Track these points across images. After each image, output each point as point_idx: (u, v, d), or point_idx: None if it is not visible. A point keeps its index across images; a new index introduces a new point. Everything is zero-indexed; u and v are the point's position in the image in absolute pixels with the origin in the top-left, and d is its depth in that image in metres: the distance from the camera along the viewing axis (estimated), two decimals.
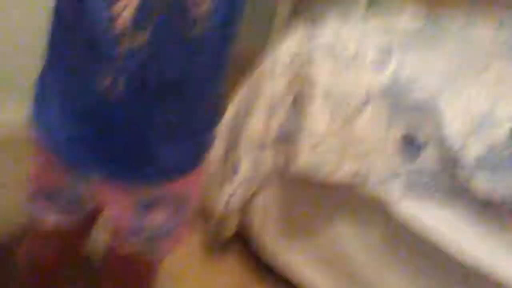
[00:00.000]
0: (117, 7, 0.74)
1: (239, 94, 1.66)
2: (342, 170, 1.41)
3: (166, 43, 0.78)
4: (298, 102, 1.48)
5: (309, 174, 1.44)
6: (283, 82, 1.50)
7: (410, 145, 1.35)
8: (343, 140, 1.39)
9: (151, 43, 0.76)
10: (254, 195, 1.64)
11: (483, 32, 1.74)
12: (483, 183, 1.28)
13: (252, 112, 1.57)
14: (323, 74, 1.43)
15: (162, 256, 1.05)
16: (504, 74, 1.45)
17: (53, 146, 0.90)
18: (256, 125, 1.55)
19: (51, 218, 1.01)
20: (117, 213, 0.98)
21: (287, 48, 1.51)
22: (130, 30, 0.76)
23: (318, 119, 1.42)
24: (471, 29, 1.75)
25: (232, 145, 1.63)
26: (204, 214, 1.71)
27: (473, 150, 1.29)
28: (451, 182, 1.31)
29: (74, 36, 0.81)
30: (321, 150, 1.42)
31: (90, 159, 0.88)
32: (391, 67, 1.40)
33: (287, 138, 1.50)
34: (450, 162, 1.32)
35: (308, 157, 1.43)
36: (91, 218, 1.07)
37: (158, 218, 0.95)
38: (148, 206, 0.94)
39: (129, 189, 0.92)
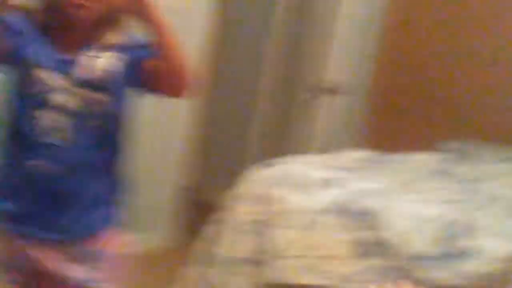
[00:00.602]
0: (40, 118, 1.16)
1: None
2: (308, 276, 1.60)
3: (77, 138, 1.17)
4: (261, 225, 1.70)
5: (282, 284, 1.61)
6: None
7: (361, 246, 1.57)
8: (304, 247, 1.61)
9: (68, 138, 1.16)
10: None
11: (417, 158, 2.11)
12: (426, 273, 1.48)
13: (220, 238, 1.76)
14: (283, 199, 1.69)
15: None
16: (427, 189, 1.82)
17: None
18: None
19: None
20: (52, 266, 1.22)
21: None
22: (51, 131, 1.17)
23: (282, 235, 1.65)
24: (409, 156, 2.12)
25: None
26: None
27: (414, 245, 1.52)
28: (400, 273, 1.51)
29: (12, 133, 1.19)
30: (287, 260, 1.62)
31: (22, 226, 1.20)
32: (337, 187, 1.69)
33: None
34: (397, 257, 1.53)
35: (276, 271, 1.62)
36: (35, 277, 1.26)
37: (79, 270, 1.23)
38: (72, 261, 1.22)
39: (55, 247, 1.21)
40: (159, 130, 2.55)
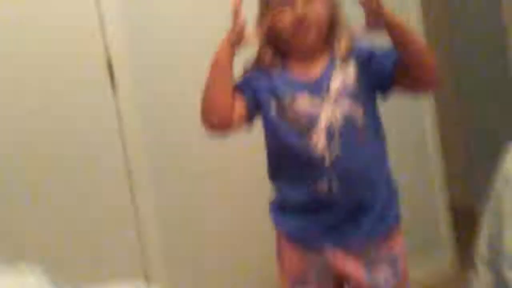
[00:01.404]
0: (313, 143, 1.24)
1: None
2: None
3: (351, 155, 1.24)
4: None
5: None
6: None
7: None
8: None
9: (342, 158, 1.23)
10: None
11: None
12: None
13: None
14: None
15: None
16: None
17: (294, 238, 1.31)
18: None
19: None
20: (352, 274, 1.30)
21: None
22: (327, 152, 1.23)
23: None
24: None
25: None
26: None
27: None
28: None
29: (289, 163, 1.29)
30: None
31: (321, 240, 1.29)
32: None
33: None
34: None
35: None
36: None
37: (380, 276, 1.31)
38: (371, 265, 1.30)
39: (351, 253, 1.29)
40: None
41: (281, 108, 1.25)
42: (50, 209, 1.80)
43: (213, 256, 2.11)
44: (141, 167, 1.95)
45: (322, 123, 1.23)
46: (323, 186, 1.25)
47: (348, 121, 1.24)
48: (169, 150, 2.03)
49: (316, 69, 1.26)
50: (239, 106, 1.29)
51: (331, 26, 1.26)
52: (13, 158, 1.76)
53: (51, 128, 1.82)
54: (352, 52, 1.26)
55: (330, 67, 1.25)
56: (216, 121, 1.27)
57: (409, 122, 2.62)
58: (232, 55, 1.24)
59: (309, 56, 1.27)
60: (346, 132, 1.24)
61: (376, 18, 1.16)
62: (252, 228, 2.15)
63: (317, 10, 1.22)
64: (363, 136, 1.26)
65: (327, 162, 1.23)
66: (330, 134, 1.23)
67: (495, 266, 1.61)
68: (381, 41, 1.25)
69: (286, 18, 1.21)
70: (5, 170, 1.75)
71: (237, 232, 2.15)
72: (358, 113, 1.24)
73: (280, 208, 1.34)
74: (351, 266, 1.30)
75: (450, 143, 3.09)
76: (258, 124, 1.39)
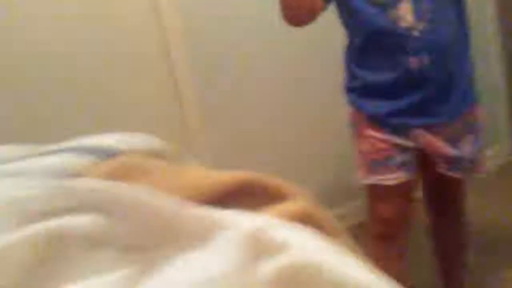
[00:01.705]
0: (401, 14, 1.27)
1: None
2: None
3: (438, 23, 1.28)
4: None
5: None
6: None
7: None
8: None
9: (430, 26, 1.27)
10: None
11: None
12: None
13: None
14: None
15: (478, 175, 1.50)
16: None
17: (382, 121, 1.36)
18: None
19: (392, 176, 1.40)
20: (439, 150, 1.38)
21: None
22: (415, 23, 1.26)
23: None
24: None
25: None
26: None
27: None
28: None
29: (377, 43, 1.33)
30: None
31: (408, 121, 1.35)
32: None
33: None
34: None
35: None
36: (417, 169, 1.44)
37: (466, 147, 1.40)
38: (456, 138, 1.38)
39: (438, 131, 1.36)
40: None
41: None
42: None
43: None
44: None
45: None
46: (414, 61, 1.30)
47: None
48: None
49: None
50: None
51: None
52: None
53: None
54: None
55: None
56: (296, 20, 1.33)
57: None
58: None
59: None
60: (432, 3, 1.28)
61: None
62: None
63: None
64: (447, 6, 1.32)
65: (416, 34, 1.28)
66: (417, 4, 1.27)
67: None
68: None
69: None
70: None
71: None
72: None
73: (363, 92, 1.40)
74: (437, 143, 1.38)
75: None
76: None
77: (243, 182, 0.52)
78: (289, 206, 0.53)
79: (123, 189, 0.40)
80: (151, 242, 0.37)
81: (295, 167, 2.32)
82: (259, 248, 0.37)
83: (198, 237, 0.37)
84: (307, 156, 2.37)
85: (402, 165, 1.41)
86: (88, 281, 0.33)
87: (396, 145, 1.39)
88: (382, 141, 1.40)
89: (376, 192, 1.46)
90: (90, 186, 0.39)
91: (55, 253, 0.33)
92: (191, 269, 0.35)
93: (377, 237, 1.53)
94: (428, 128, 1.38)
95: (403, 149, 1.40)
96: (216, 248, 0.37)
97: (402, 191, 1.43)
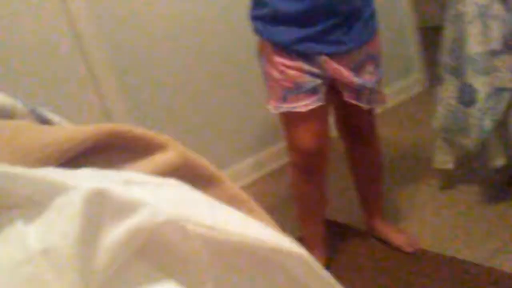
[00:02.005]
0: None
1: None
2: None
3: None
4: None
5: None
6: None
7: None
8: None
9: None
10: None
11: None
12: None
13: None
14: None
15: (379, 105, 1.54)
16: None
17: (290, 48, 1.37)
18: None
19: (303, 104, 1.41)
20: (344, 78, 1.41)
21: None
22: None
23: None
24: None
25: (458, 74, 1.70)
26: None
27: None
28: None
29: None
30: None
31: (315, 47, 1.37)
32: None
33: None
34: None
35: None
36: (327, 95, 1.46)
37: (366, 76, 1.44)
38: (358, 68, 1.42)
39: (342, 59, 1.39)
40: None
41: None
42: None
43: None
44: None
45: None
46: None
47: None
48: None
49: None
50: None
51: None
52: None
53: None
54: None
55: None
56: None
57: None
58: None
59: None
60: None
61: None
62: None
63: None
64: None
65: None
66: None
67: (458, 71, 1.73)
68: None
69: None
70: None
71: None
72: None
73: (270, 20, 1.39)
74: (342, 71, 1.41)
75: None
76: None
77: (109, 134, 0.46)
78: (162, 157, 0.48)
79: None
80: None
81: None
82: (107, 209, 0.32)
83: (33, 203, 0.32)
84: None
85: (312, 92, 1.42)
86: None
87: (305, 71, 1.40)
88: (291, 67, 1.40)
89: (290, 121, 1.47)
90: None
91: None
92: (22, 242, 0.30)
93: (296, 166, 1.55)
94: (331, 55, 1.39)
95: (312, 75, 1.41)
96: (53, 216, 0.31)
97: (315, 117, 1.44)
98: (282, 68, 1.41)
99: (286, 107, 1.43)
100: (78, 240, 0.29)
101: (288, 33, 1.37)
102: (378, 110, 1.58)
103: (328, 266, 1.65)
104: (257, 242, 0.38)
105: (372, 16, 1.44)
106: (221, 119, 2.31)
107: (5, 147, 0.38)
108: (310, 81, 1.41)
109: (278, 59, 1.41)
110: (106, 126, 0.47)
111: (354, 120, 1.58)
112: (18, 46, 1.83)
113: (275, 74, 1.42)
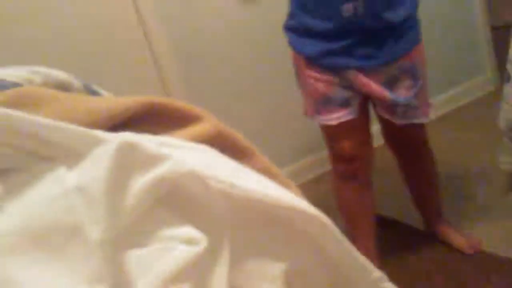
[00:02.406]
0: None
1: None
2: None
3: None
4: None
5: None
6: None
7: None
8: None
9: None
10: None
11: None
12: None
13: None
14: None
15: (419, 120, 1.46)
16: None
17: (317, 60, 1.38)
18: None
19: (334, 116, 1.42)
20: (375, 93, 1.39)
21: None
22: None
23: None
24: None
25: None
26: None
27: None
28: None
29: None
30: None
31: (341, 61, 1.36)
32: None
33: None
34: None
35: None
36: (363, 108, 1.45)
37: (402, 90, 1.40)
38: (391, 82, 1.39)
39: (373, 73, 1.37)
40: None
41: None
42: None
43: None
44: None
45: None
46: (349, 7, 1.30)
47: None
48: None
49: None
50: None
51: None
52: None
53: None
54: None
55: None
56: None
57: None
58: None
59: None
60: None
61: None
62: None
63: None
64: None
65: None
66: None
67: None
68: None
69: None
70: None
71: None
72: None
73: (301, 32, 1.40)
74: (372, 85, 1.38)
75: None
76: None
77: (148, 106, 0.50)
78: (198, 127, 0.51)
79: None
80: (25, 162, 0.36)
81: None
82: (135, 158, 0.36)
83: (75, 151, 0.36)
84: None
85: (344, 105, 1.41)
86: None
87: (334, 84, 1.39)
88: (320, 80, 1.40)
89: (326, 132, 1.48)
90: None
91: None
92: (60, 182, 0.34)
93: (337, 175, 1.54)
94: (361, 70, 1.37)
95: (342, 88, 1.40)
96: (89, 163, 0.35)
97: (351, 129, 1.43)
98: (312, 81, 1.42)
99: (318, 118, 1.44)
100: (109, 182, 0.33)
101: (316, 47, 1.37)
102: (427, 120, 1.49)
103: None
104: (276, 201, 0.40)
105: (411, 27, 1.39)
106: (266, 124, 2.33)
107: (60, 111, 0.43)
108: (340, 94, 1.40)
109: (309, 72, 1.42)
110: (148, 97, 0.51)
111: (398, 134, 1.53)
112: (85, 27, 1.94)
113: (307, 86, 1.44)
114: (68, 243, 0.30)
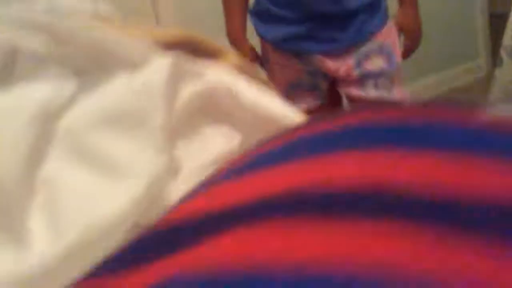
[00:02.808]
0: None
1: None
2: None
3: None
4: None
5: None
6: None
7: None
8: None
9: None
10: None
11: None
12: None
13: None
14: None
15: (392, 96, 1.38)
16: None
17: (282, 46, 1.34)
18: None
19: (302, 106, 1.34)
20: (342, 73, 1.35)
21: None
22: None
23: None
24: None
25: None
26: None
27: None
28: None
29: None
30: None
31: (307, 45, 1.32)
32: None
33: None
34: None
35: None
36: (332, 94, 1.42)
37: (371, 67, 1.34)
38: (361, 63, 1.34)
39: (339, 57, 1.33)
40: None
41: None
42: None
43: None
44: None
45: None
46: None
47: None
48: None
49: None
50: None
51: None
52: None
53: None
54: None
55: None
56: None
57: None
58: None
59: None
60: None
61: None
62: None
63: None
64: None
65: None
66: None
67: None
68: None
69: None
70: None
71: None
72: None
73: (266, 19, 1.37)
74: (341, 68, 1.35)
75: None
76: None
77: (184, 39, 0.59)
78: (227, 60, 0.60)
79: (77, 23, 0.47)
80: (93, 64, 0.44)
81: None
82: (183, 71, 0.45)
83: (134, 60, 0.45)
84: None
85: (310, 89, 1.39)
86: (34, 85, 0.40)
87: (299, 70, 1.36)
88: (285, 66, 1.38)
89: None
90: (48, 19, 0.45)
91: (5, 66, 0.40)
92: (128, 83, 0.43)
93: None
94: (326, 54, 1.33)
95: (308, 73, 1.36)
96: (148, 70, 0.44)
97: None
98: (278, 67, 1.39)
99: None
100: (167, 84, 0.42)
101: (278, 32, 1.34)
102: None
103: None
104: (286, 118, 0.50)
105: (375, 9, 1.35)
106: None
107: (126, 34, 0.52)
108: (307, 80, 1.38)
109: (274, 58, 1.39)
110: (182, 32, 0.60)
111: None
112: None
113: (275, 73, 1.41)
114: (137, 126, 0.39)
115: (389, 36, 1.37)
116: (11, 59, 0.41)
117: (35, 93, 0.39)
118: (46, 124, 0.38)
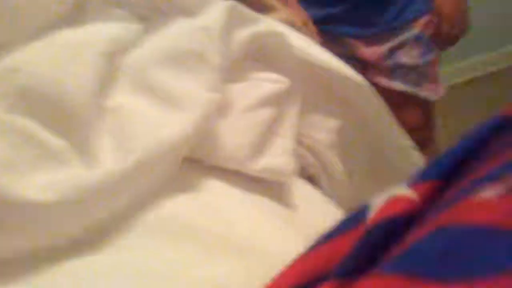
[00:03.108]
0: None
1: None
2: None
3: None
4: None
5: None
6: None
7: None
8: None
9: None
10: None
11: None
12: None
13: None
14: None
15: (422, 92, 1.30)
16: None
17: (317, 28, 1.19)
18: None
19: None
20: (373, 59, 1.28)
21: None
22: None
23: None
24: None
25: None
26: None
27: None
28: None
29: None
30: None
31: (343, 28, 1.27)
32: None
33: None
34: None
35: None
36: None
37: (405, 58, 1.27)
38: (395, 50, 1.27)
39: (373, 42, 1.27)
40: None
41: None
42: None
43: None
44: None
45: None
46: None
47: None
48: None
49: None
50: None
51: None
52: None
53: None
54: None
55: None
56: None
57: None
58: None
59: None
60: None
61: None
62: None
63: None
64: None
65: None
66: None
67: None
68: None
69: None
70: None
71: None
72: None
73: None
74: (373, 54, 1.30)
75: None
76: None
77: None
78: (279, 14, 0.63)
79: None
80: (157, 9, 0.48)
81: None
82: (238, 16, 0.48)
83: (195, 5, 0.48)
84: None
85: None
86: (105, 24, 0.44)
87: (334, 53, 1.26)
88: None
89: None
90: None
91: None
92: (190, 24, 0.47)
93: None
94: (358, 38, 1.29)
95: (343, 57, 1.25)
96: (206, 14, 0.47)
97: None
98: None
99: None
100: (224, 27, 0.45)
101: (311, 11, 1.26)
102: (434, 98, 1.31)
103: None
104: (327, 66, 0.53)
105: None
106: None
107: None
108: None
109: None
110: None
111: (401, 117, 1.35)
112: None
113: None
114: (197, 64, 0.43)
115: (429, 27, 1.30)
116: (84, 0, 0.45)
117: (105, 31, 0.43)
118: (114, 58, 0.42)
